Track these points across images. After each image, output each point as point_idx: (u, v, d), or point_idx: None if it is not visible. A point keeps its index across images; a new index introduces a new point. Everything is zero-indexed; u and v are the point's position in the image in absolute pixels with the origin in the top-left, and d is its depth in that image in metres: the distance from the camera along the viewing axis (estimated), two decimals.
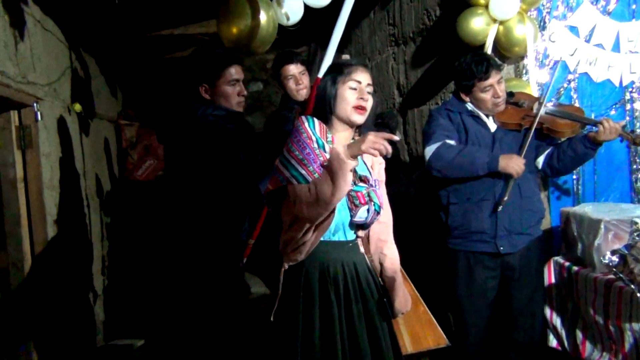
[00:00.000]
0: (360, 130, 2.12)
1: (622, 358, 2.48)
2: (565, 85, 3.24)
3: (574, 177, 3.24)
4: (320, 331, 1.97)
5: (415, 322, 2.44)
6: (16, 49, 3.03)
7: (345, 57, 3.26)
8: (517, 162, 2.68)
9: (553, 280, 2.98)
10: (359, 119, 2.05)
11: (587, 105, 3.22)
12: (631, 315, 2.40)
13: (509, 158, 2.69)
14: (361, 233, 2.13)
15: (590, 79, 3.25)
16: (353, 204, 2.01)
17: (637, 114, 3.24)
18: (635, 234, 2.54)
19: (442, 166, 2.73)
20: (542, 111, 2.79)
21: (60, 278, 3.39)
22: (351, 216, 2.04)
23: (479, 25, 3.05)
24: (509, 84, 3.04)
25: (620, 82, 3.24)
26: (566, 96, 3.24)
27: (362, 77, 2.05)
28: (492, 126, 2.85)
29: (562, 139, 2.91)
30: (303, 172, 1.92)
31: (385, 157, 1.94)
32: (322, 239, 2.02)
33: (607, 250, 2.59)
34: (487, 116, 2.85)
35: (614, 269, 2.52)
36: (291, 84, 3.15)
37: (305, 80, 3.15)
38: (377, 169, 2.17)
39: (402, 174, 4.11)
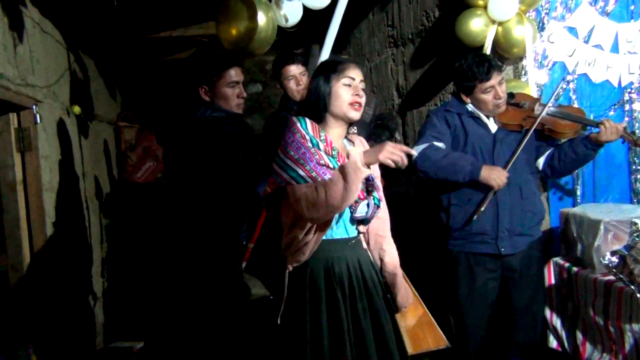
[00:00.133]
0: (358, 126, 2.13)
1: (622, 359, 2.48)
2: (564, 86, 3.24)
3: (574, 177, 3.24)
4: (329, 331, 1.97)
5: (415, 324, 2.43)
6: (15, 52, 3.02)
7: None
8: (499, 174, 2.66)
9: (553, 281, 2.98)
10: (356, 115, 2.06)
11: (586, 106, 3.22)
12: (631, 316, 2.40)
13: (492, 169, 2.68)
14: (362, 229, 2.13)
15: (589, 80, 3.25)
16: None
17: (636, 114, 3.24)
18: (634, 234, 2.54)
19: (427, 167, 2.73)
20: (543, 112, 2.79)
21: (59, 280, 3.39)
22: (351, 212, 2.04)
23: (478, 27, 3.05)
24: (508, 85, 3.03)
25: (619, 83, 3.24)
26: (565, 97, 3.24)
27: (355, 74, 2.07)
28: (493, 127, 2.84)
29: (563, 140, 2.91)
30: (301, 172, 1.94)
31: (397, 168, 1.95)
32: (324, 237, 2.03)
33: (606, 251, 2.59)
34: (488, 117, 2.85)
35: (614, 270, 2.52)
36: (292, 85, 3.16)
37: (305, 80, 3.16)
38: (374, 165, 2.19)
39: (401, 175, 4.11)
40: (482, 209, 2.71)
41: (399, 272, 2.21)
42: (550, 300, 2.99)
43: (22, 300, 3.10)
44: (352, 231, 2.11)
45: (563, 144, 2.89)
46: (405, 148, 1.92)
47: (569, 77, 3.24)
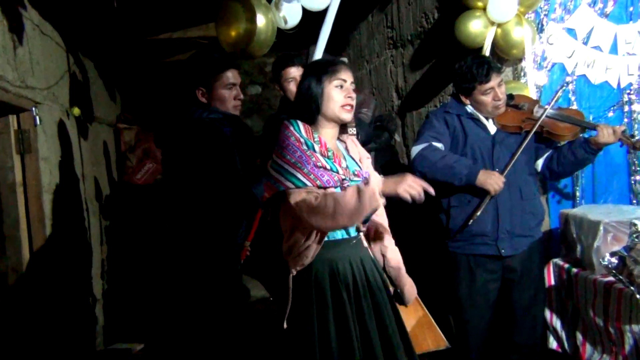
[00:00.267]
0: (357, 127, 2.13)
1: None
2: (564, 86, 3.24)
3: (573, 179, 3.24)
4: (337, 332, 1.97)
5: (415, 325, 2.43)
6: (15, 53, 3.02)
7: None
8: (496, 179, 2.66)
9: (553, 282, 2.98)
10: (348, 116, 2.07)
11: (585, 107, 3.22)
12: (631, 317, 2.40)
13: (489, 175, 2.67)
14: (363, 227, 2.14)
15: (588, 81, 3.26)
16: None
17: (635, 115, 3.25)
18: (634, 235, 2.54)
19: (424, 168, 2.73)
20: (543, 116, 2.79)
21: (59, 282, 3.39)
22: None
23: (477, 28, 3.05)
24: (507, 86, 3.04)
25: (618, 84, 3.25)
26: (564, 98, 3.25)
27: (346, 76, 2.07)
28: (492, 129, 2.85)
29: (562, 143, 2.91)
30: (299, 175, 1.94)
31: (413, 201, 1.94)
32: (326, 238, 2.03)
33: (606, 252, 2.60)
34: (487, 119, 2.85)
35: (614, 271, 2.52)
36: (292, 87, 3.15)
37: None
38: (365, 163, 2.21)
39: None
40: (478, 213, 2.71)
41: (402, 265, 2.23)
42: (550, 301, 2.99)
43: (22, 301, 3.09)
44: (353, 231, 2.11)
45: (562, 147, 2.89)
46: (424, 184, 1.93)
47: (568, 79, 3.24)
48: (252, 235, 2.89)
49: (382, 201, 1.91)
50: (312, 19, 3.28)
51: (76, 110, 3.93)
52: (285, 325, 2.04)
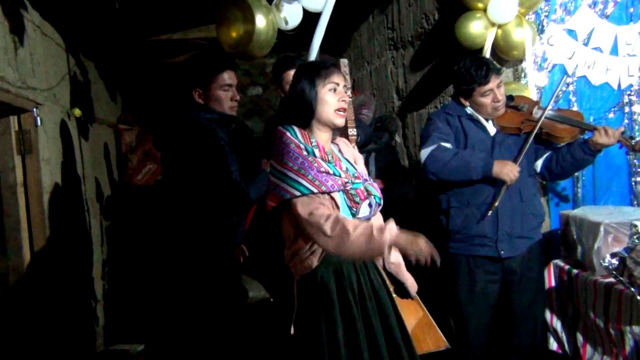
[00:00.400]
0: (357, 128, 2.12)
1: None
2: (563, 88, 3.25)
3: (574, 180, 3.24)
4: (345, 334, 1.96)
5: (415, 325, 2.43)
6: (16, 54, 3.03)
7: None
8: (512, 168, 2.67)
9: (553, 284, 2.98)
10: (341, 121, 2.07)
11: (585, 108, 3.22)
12: (631, 318, 2.40)
13: (504, 164, 2.68)
14: None
15: (588, 82, 3.26)
16: (353, 201, 2.02)
17: (635, 116, 3.25)
18: (634, 236, 2.54)
19: (437, 169, 2.72)
20: (542, 117, 2.78)
21: (60, 283, 3.39)
22: (354, 214, 2.04)
23: (477, 29, 3.06)
24: (508, 88, 3.04)
25: (619, 85, 3.25)
26: (565, 99, 3.25)
27: (339, 79, 2.07)
28: (492, 130, 2.85)
29: (561, 144, 2.91)
30: (303, 181, 1.93)
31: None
32: None
33: (606, 253, 2.59)
34: (487, 120, 2.85)
35: (614, 272, 2.52)
36: None
37: None
38: (360, 163, 2.21)
39: (401, 177, 4.12)
40: (497, 204, 2.70)
41: (402, 261, 2.23)
42: (550, 303, 2.99)
43: (22, 302, 3.10)
44: None
45: (561, 148, 2.88)
46: (436, 253, 1.94)
47: (568, 80, 3.25)
48: (246, 229, 2.90)
49: (389, 255, 1.95)
50: (313, 20, 3.28)
51: (77, 111, 3.94)
52: (292, 331, 2.03)
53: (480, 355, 2.87)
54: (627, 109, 3.26)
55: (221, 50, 3.14)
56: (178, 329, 2.93)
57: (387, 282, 2.20)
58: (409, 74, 4.16)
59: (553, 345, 3.00)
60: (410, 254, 1.91)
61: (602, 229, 2.62)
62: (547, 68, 3.25)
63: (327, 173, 1.97)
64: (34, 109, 3.20)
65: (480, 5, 3.05)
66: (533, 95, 3.14)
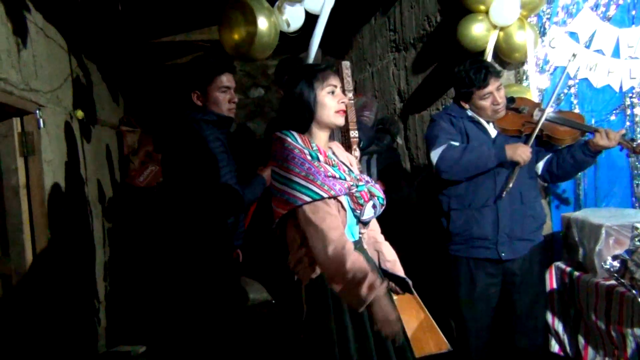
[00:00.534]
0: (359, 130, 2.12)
1: None
2: (565, 90, 3.25)
3: (575, 182, 3.24)
4: (355, 336, 1.95)
5: (416, 327, 2.43)
6: (19, 56, 3.04)
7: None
8: (524, 149, 2.69)
9: (555, 286, 2.98)
10: (342, 121, 2.08)
11: (587, 110, 3.23)
12: (633, 320, 2.40)
13: (516, 147, 2.70)
14: (364, 229, 2.14)
15: (590, 85, 3.27)
16: (357, 204, 2.02)
17: (637, 119, 3.26)
18: (636, 239, 2.54)
19: (450, 167, 2.72)
20: (542, 119, 2.78)
21: (62, 284, 3.40)
22: (357, 216, 2.04)
23: (479, 32, 3.06)
24: (509, 90, 3.04)
25: (620, 88, 3.26)
26: (566, 102, 3.25)
27: (336, 81, 2.07)
28: (493, 132, 2.85)
29: (562, 146, 2.91)
30: (312, 187, 1.91)
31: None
32: None
33: (608, 255, 2.60)
34: (488, 122, 2.85)
35: (615, 275, 2.52)
36: None
37: None
38: (355, 165, 2.22)
39: (403, 179, 4.12)
40: (511, 184, 2.71)
41: (397, 258, 2.24)
42: (552, 305, 2.99)
43: (25, 304, 3.10)
44: (357, 234, 2.11)
45: (562, 150, 2.88)
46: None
47: (570, 82, 3.25)
48: (246, 226, 2.91)
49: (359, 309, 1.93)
50: (315, 22, 3.29)
51: (79, 113, 3.95)
52: (302, 335, 2.02)
53: (481, 357, 2.87)
54: (628, 112, 3.27)
55: (223, 52, 3.15)
56: (180, 331, 2.94)
57: (391, 285, 2.21)
58: (411, 76, 4.16)
59: (555, 347, 2.99)
60: (378, 326, 1.90)
61: (603, 231, 2.63)
62: (548, 70, 3.26)
63: (334, 177, 1.96)
64: (37, 111, 3.21)
65: (482, 7, 3.05)
66: (535, 97, 3.14)
